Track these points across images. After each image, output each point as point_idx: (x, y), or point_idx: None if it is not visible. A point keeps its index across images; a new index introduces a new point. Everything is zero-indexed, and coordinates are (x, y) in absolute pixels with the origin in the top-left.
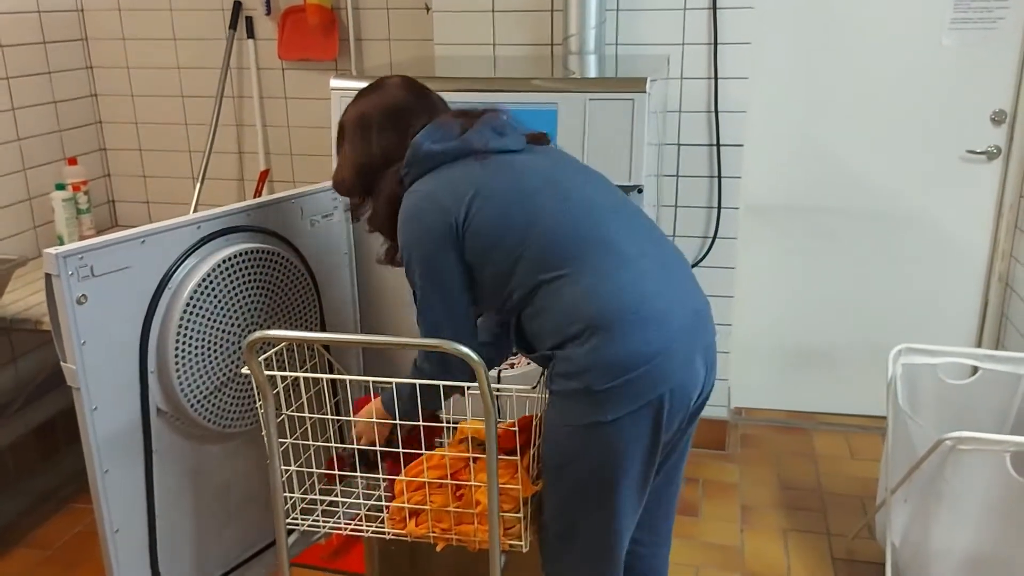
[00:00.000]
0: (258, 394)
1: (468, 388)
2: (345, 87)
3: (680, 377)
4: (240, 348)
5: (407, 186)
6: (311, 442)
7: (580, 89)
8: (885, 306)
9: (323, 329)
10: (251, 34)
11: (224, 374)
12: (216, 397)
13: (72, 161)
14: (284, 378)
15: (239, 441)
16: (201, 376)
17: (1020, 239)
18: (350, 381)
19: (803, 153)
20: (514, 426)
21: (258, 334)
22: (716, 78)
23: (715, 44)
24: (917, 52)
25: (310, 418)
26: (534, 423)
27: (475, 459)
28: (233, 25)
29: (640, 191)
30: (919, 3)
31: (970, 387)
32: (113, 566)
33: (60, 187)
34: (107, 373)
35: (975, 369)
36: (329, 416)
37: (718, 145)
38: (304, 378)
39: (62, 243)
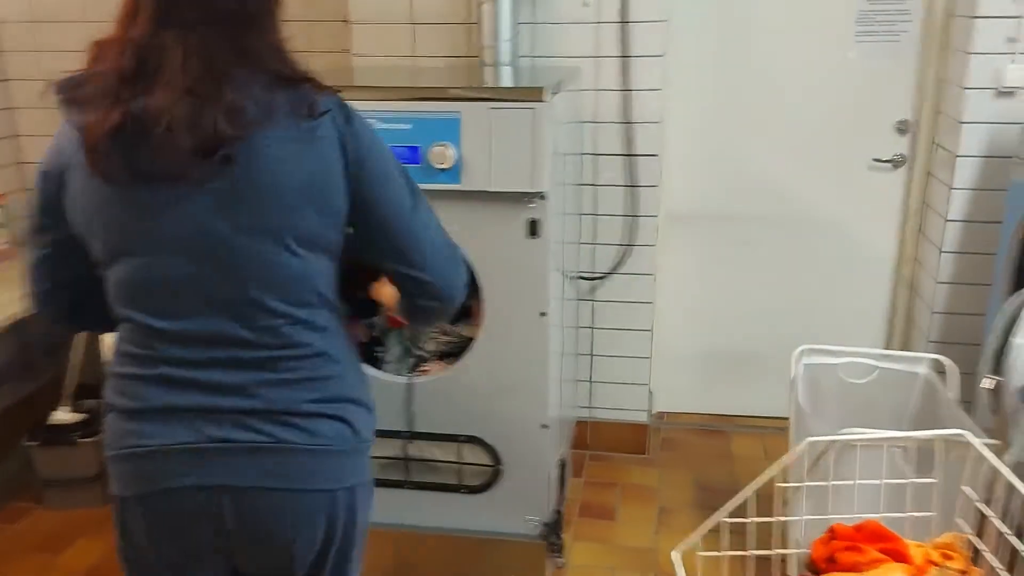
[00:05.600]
0: None
1: None
2: None
3: None
4: None
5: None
6: None
7: (482, 98)
8: (799, 311)
9: None
10: None
11: None
12: None
13: None
14: None
15: None
16: None
17: (924, 244)
18: None
19: (719, 163)
20: None
21: None
22: (628, 90)
23: (626, 56)
24: (825, 65)
25: None
26: None
27: None
28: None
29: (543, 197)
30: (825, 18)
31: (870, 386)
32: None
33: None
34: None
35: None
36: None
37: (631, 155)
38: None
39: None
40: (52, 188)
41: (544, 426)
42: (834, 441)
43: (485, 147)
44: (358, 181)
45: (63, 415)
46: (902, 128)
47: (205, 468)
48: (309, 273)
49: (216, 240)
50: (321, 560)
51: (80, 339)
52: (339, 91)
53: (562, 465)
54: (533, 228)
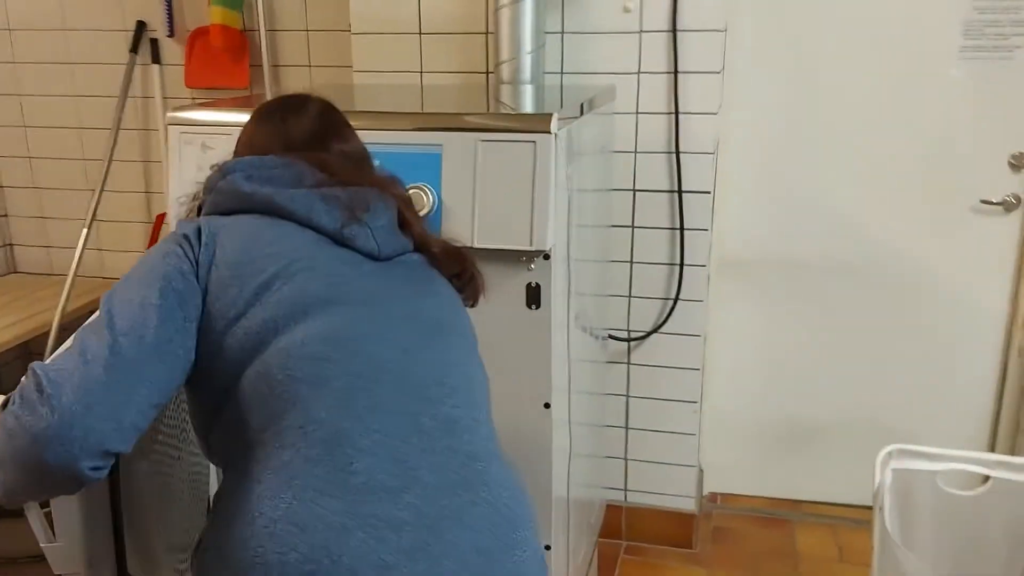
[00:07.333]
0: None
1: None
2: (186, 120)
3: None
4: None
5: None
6: None
7: (469, 128)
8: (882, 380)
9: None
10: (156, 59)
11: None
12: None
13: None
14: None
15: None
16: None
17: None
18: None
19: (785, 203)
20: None
21: None
22: (677, 112)
23: (675, 72)
24: (921, 85)
25: None
26: None
27: None
28: (134, 49)
29: (546, 257)
30: (923, 27)
31: (979, 500)
32: None
33: None
34: None
35: (986, 478)
36: None
37: (680, 191)
38: None
39: None
40: None
41: (547, 547)
42: None
43: (472, 191)
44: None
45: None
46: (1016, 163)
47: None
48: None
49: None
50: None
51: None
52: None
53: None
54: (533, 296)
